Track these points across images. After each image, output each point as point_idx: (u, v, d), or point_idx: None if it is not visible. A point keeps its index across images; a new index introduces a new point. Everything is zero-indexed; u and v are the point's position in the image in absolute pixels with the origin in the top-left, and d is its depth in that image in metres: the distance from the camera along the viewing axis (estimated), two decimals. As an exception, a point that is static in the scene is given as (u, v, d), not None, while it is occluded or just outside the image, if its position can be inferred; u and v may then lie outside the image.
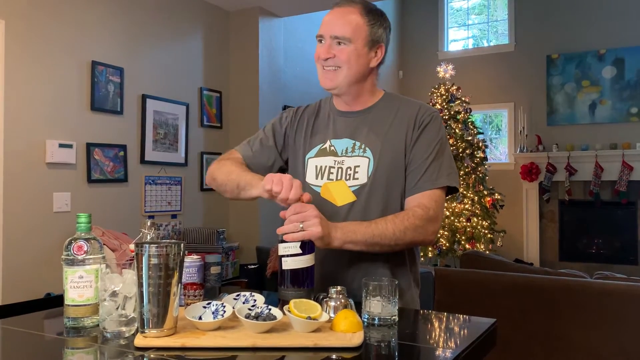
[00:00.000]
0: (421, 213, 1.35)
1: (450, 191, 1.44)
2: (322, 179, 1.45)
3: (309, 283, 1.23)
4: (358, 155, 1.43)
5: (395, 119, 1.45)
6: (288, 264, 1.22)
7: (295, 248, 1.21)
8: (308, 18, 5.57)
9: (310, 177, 1.48)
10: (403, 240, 1.33)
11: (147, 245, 1.00)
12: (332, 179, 1.44)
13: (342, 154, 1.45)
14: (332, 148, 1.47)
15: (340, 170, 1.44)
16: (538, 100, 6.96)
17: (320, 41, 1.43)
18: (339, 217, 1.39)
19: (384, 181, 1.41)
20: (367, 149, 1.43)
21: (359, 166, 1.42)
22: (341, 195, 1.42)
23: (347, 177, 1.42)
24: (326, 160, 1.46)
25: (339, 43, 1.39)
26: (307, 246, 1.22)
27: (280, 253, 1.23)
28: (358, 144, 1.44)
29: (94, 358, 1.03)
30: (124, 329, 1.05)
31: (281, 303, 1.20)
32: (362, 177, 1.41)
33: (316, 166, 1.47)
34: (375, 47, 1.44)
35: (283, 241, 1.23)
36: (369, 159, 1.42)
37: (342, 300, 1.16)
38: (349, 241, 1.28)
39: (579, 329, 2.61)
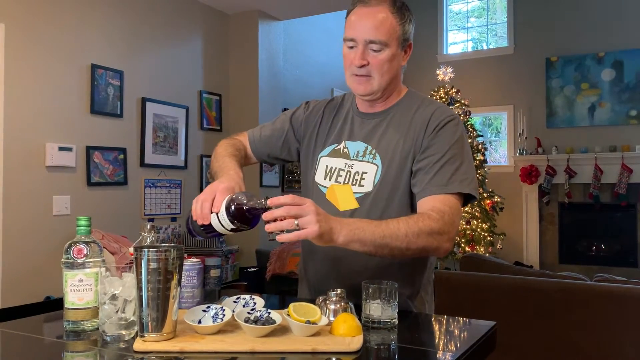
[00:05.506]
0: (436, 217, 1.23)
1: (467, 200, 1.34)
2: (330, 180, 1.43)
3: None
4: (367, 161, 1.39)
5: (411, 124, 1.38)
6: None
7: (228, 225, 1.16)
8: (308, 21, 5.58)
9: (319, 177, 1.46)
10: (416, 245, 1.20)
11: (145, 250, 1.00)
12: (340, 182, 1.41)
13: (353, 157, 1.41)
14: (346, 150, 1.43)
15: (348, 174, 1.40)
16: (537, 102, 6.97)
17: (352, 47, 1.33)
18: None
19: (387, 192, 1.36)
20: (377, 155, 1.38)
21: (366, 172, 1.38)
22: (345, 200, 1.39)
23: (354, 182, 1.39)
24: (338, 162, 1.43)
25: (374, 49, 1.31)
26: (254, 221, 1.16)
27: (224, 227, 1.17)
28: (370, 148, 1.40)
29: (93, 362, 1.03)
30: (123, 332, 1.05)
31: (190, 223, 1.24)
32: (368, 185, 1.37)
33: (327, 166, 1.44)
34: (406, 46, 1.37)
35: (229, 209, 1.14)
36: (377, 166, 1.37)
37: (342, 304, 1.15)
38: (355, 239, 1.15)
39: (579, 332, 2.61)
